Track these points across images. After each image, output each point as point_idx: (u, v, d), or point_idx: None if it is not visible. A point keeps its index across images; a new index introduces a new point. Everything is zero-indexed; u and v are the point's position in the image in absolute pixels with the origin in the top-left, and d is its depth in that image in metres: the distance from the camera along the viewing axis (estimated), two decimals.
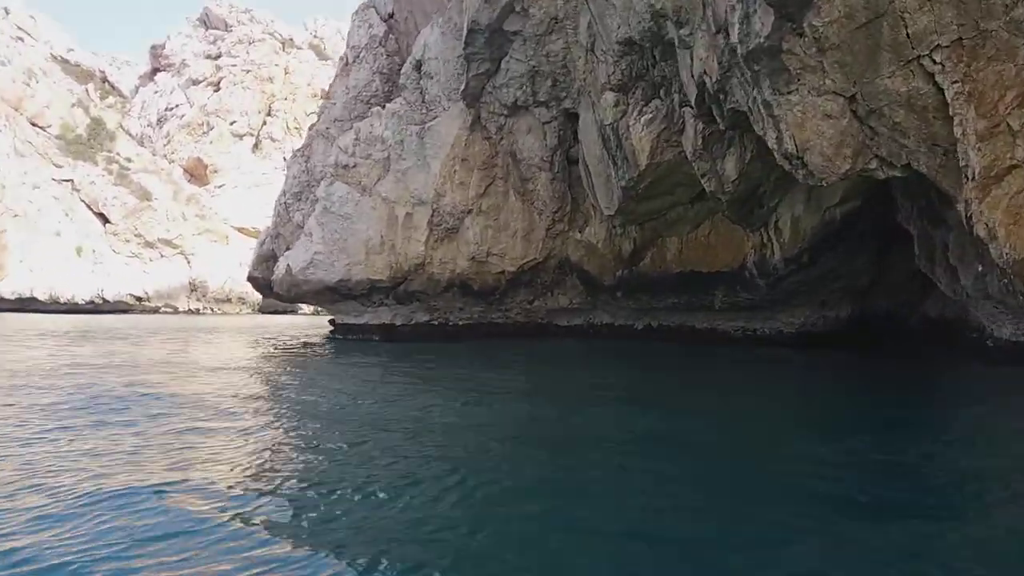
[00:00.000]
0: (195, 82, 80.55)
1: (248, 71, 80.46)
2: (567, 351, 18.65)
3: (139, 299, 67.95)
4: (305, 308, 75.50)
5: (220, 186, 78.40)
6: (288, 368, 14.47)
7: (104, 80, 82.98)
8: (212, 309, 71.36)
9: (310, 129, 25.58)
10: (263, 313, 71.15)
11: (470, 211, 20.08)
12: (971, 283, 12.24)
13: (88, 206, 68.50)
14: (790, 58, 10.41)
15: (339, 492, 5.43)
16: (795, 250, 16.22)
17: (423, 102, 20.68)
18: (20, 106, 69.60)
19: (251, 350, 19.24)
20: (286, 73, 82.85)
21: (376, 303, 22.59)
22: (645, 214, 17.94)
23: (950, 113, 10.06)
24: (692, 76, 13.83)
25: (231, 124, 79.45)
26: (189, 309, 70.62)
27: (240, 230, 77.74)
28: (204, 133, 78.78)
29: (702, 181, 15.64)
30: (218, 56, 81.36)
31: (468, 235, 20.29)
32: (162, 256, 71.07)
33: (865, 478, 5.99)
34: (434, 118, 20.41)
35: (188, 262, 72.34)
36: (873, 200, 15.38)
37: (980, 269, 11.59)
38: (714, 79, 12.86)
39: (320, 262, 21.76)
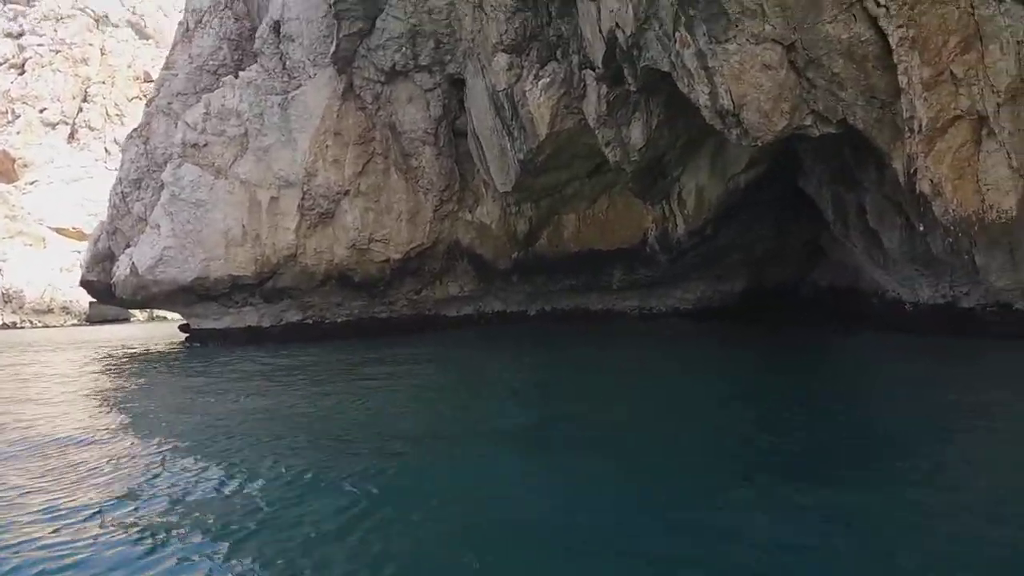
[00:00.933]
0: None
1: (58, 51, 72.01)
2: (463, 341, 17.18)
3: None
4: (139, 315, 69.14)
5: (32, 182, 69.82)
6: (140, 382, 12.04)
7: None
8: (31, 322, 63.75)
9: (147, 105, 22.32)
10: (91, 323, 64.30)
11: (347, 192, 18.02)
12: (896, 246, 11.96)
13: None
14: (729, 0, 9.45)
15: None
16: (699, 221, 15.61)
17: (284, 69, 18.31)
18: None
19: (96, 368, 16.31)
20: (103, 54, 74.94)
21: (239, 303, 20.02)
22: (542, 190, 16.75)
23: (894, 60, 9.47)
24: (600, 32, 12.69)
25: (41, 112, 70.89)
26: (4, 323, 62.57)
27: (59, 231, 69.65)
28: (9, 123, 69.76)
29: (605, 151, 14.63)
30: (20, 34, 72.22)
31: (346, 220, 18.22)
32: None
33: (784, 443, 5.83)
34: (298, 87, 18.12)
35: None
36: (777, 166, 15.00)
37: (911, 231, 11.25)
38: (628, 32, 11.77)
39: (171, 258, 18.93)
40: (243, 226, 18.87)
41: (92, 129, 72.49)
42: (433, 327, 20.54)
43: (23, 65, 71.39)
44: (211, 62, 21.11)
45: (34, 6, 74.44)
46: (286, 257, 18.79)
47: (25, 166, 69.71)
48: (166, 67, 21.36)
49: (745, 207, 15.77)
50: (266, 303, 20.12)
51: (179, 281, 19.02)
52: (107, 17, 77.73)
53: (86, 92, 72.95)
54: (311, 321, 20.76)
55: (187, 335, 22.46)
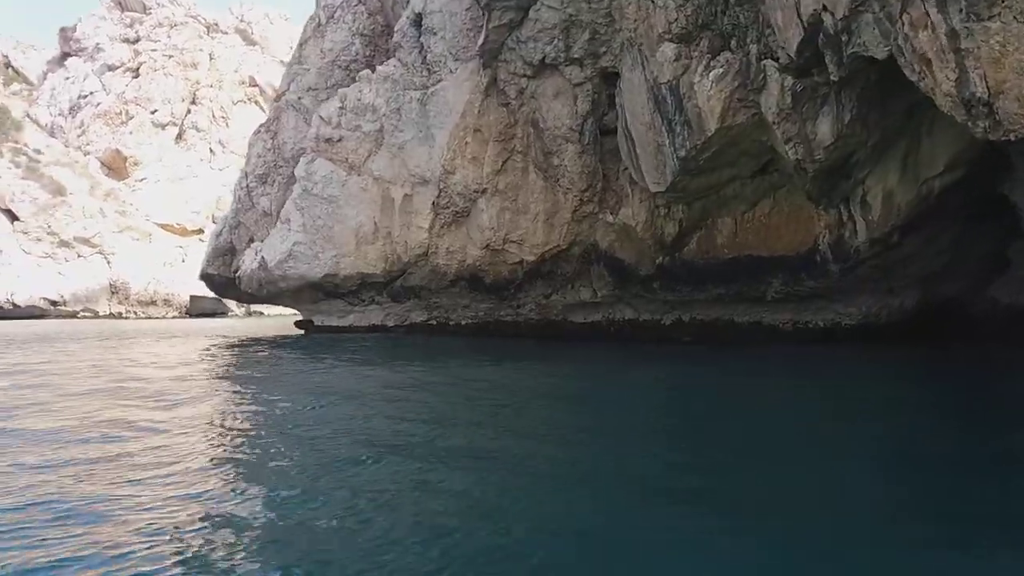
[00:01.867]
0: (111, 68, 74.31)
1: (170, 56, 74.74)
2: (599, 363, 16.06)
3: (54, 303, 62.06)
4: (236, 310, 70.85)
5: (141, 180, 72.54)
6: (270, 375, 11.40)
7: (7, 65, 75.75)
8: (136, 313, 65.90)
9: (276, 100, 22.17)
10: (191, 316, 66.18)
11: (484, 191, 17.23)
12: None
13: None
14: None
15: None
16: (885, 228, 14.06)
17: (423, 63, 17.69)
18: None
19: (214, 356, 15.92)
20: (211, 59, 77.44)
21: (366, 301, 19.51)
22: (698, 191, 15.51)
23: None
24: (799, 17, 11.42)
25: (152, 113, 73.63)
26: (111, 313, 65.01)
27: (163, 227, 72.15)
28: (123, 123, 72.71)
29: (785, 148, 13.30)
30: (136, 40, 75.31)
31: (481, 219, 17.43)
32: (79, 256, 65.11)
33: None
34: (438, 82, 17.45)
35: (108, 262, 66.55)
36: (976, 170, 13.36)
37: None
38: (839, 16, 10.45)
39: (301, 254, 18.54)
40: (375, 223, 18.32)
41: (199, 130, 74.87)
42: (559, 334, 19.50)
43: (138, 69, 74.38)
44: (343, 57, 20.75)
45: (150, 14, 77.54)
46: (417, 256, 18.12)
47: (136, 164, 72.48)
48: (297, 62, 21.12)
49: (934, 215, 14.15)
50: (393, 302, 19.54)
51: (308, 277, 18.60)
52: (217, 24, 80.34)
53: (194, 95, 75.46)
54: (435, 322, 20.08)
55: (303, 332, 22.13)
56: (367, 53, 20.75)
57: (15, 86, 74.74)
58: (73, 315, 62.77)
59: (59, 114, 74.01)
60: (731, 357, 14.95)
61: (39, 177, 65.07)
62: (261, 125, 22.24)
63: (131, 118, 72.73)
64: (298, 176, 18.63)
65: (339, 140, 18.47)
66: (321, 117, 18.63)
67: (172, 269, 68.88)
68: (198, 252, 72.01)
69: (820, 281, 15.91)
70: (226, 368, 13.33)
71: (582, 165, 17.07)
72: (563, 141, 16.97)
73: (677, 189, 15.31)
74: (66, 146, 72.11)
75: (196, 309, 67.41)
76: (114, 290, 65.78)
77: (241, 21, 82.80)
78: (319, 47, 20.80)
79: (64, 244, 64.21)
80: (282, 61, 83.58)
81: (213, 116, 75.89)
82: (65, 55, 77.46)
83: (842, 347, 16.44)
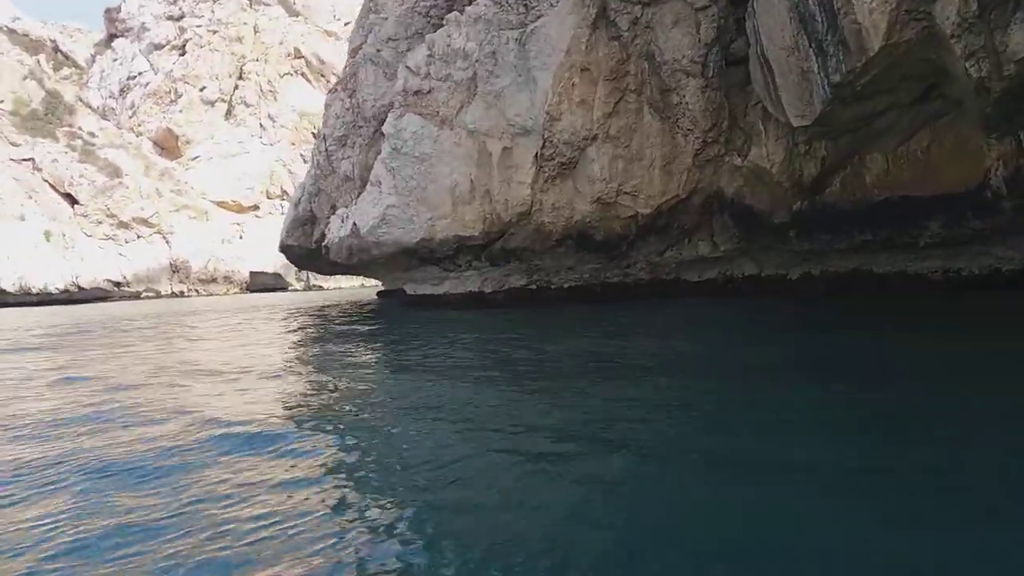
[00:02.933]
0: (158, 47, 73.90)
1: (215, 31, 73.95)
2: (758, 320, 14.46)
3: (117, 284, 62.46)
4: (296, 284, 70.62)
5: (194, 158, 72.34)
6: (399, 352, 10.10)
7: (56, 50, 75.77)
8: (197, 291, 66.09)
9: (351, 56, 20.68)
10: (251, 292, 66.14)
11: (594, 138, 15.59)
12: None
13: (53, 186, 62.34)
14: None
15: None
16: None
17: None
18: None
19: (312, 333, 14.74)
20: (256, 32, 76.44)
21: (462, 266, 18.13)
22: (848, 123, 13.63)
23: None
24: None
25: (201, 90, 73.14)
26: (172, 292, 65.33)
27: (219, 204, 72.01)
28: (172, 101, 72.43)
29: (965, 65, 11.34)
30: (180, 16, 74.65)
31: (592, 170, 15.81)
32: (139, 237, 65.34)
33: None
34: (538, 18, 15.77)
35: (167, 242, 66.71)
36: None
37: None
38: None
39: (394, 218, 17.20)
40: (471, 181, 16.86)
41: (248, 106, 74.21)
42: (672, 293, 17.91)
43: (183, 46, 73.80)
44: (422, 3, 19.14)
45: None
46: (519, 215, 16.63)
47: (187, 143, 72.26)
48: (373, 11, 19.58)
49: None
50: (491, 266, 18.13)
51: (403, 243, 17.28)
52: None
53: (241, 70, 74.70)
54: (535, 286, 18.64)
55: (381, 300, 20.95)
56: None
57: (65, 71, 74.82)
58: (136, 295, 63.18)
59: (110, 96, 74.03)
60: (893, 310, 13.20)
61: (95, 160, 65.22)
62: (337, 84, 20.81)
63: (180, 96, 72.36)
64: (386, 134, 17.22)
65: (428, 92, 16.98)
66: (408, 68, 17.13)
67: (230, 246, 68.84)
68: (255, 228, 72.02)
69: (986, 221, 13.96)
70: (346, 345, 12.10)
71: (706, 101, 15.27)
72: (683, 75, 15.18)
73: (825, 122, 13.46)
74: (118, 127, 72.17)
75: (256, 285, 67.35)
76: (175, 269, 65.97)
77: None
78: None
79: (123, 225, 64.44)
80: (326, 31, 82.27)
81: (261, 90, 75.09)
82: (112, 36, 77.28)
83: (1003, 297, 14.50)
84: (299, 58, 77.34)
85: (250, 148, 74.11)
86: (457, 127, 16.95)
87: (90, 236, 62.72)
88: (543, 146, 15.99)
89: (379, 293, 24.54)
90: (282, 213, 76.19)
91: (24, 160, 61.49)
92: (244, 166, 73.06)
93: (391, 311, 20.31)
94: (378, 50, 19.18)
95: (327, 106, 20.89)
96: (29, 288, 54.90)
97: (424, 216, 17.08)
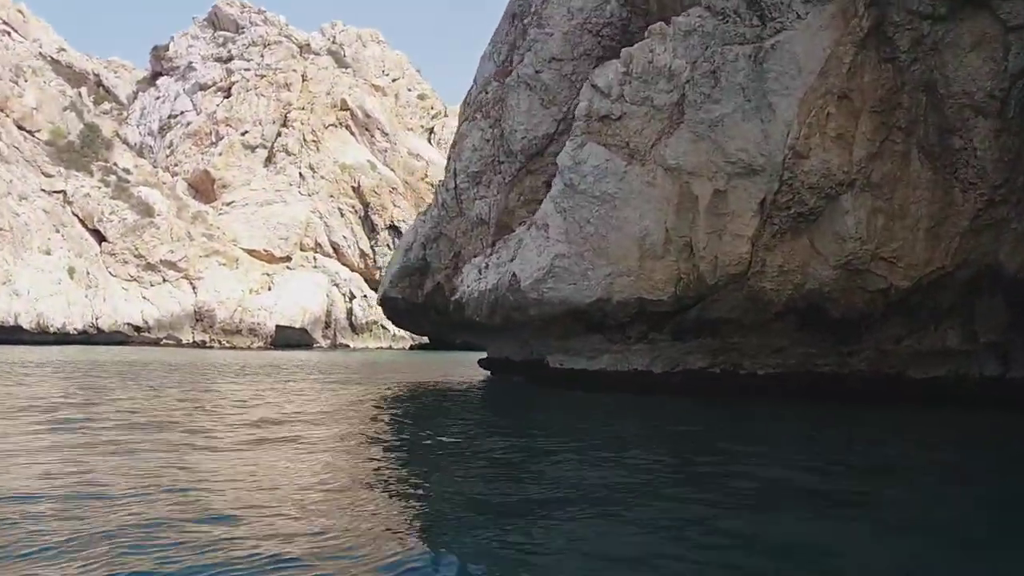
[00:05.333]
0: (203, 87, 72.11)
1: (263, 76, 72.25)
2: None
3: (138, 329, 58.72)
4: (322, 343, 66.78)
5: (229, 203, 69.54)
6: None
7: (99, 84, 74.15)
8: (220, 342, 62.20)
9: (495, 79, 17.38)
10: (276, 347, 62.19)
11: (851, 184, 12.06)
12: None
13: (82, 221, 59.34)
14: None
15: None
16: None
17: (753, 8, 12.70)
18: (6, 106, 60.59)
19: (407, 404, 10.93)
20: (304, 80, 74.71)
21: (632, 338, 14.36)
22: None
23: None
24: None
25: (242, 135, 70.94)
26: (194, 341, 61.42)
27: (251, 253, 68.79)
28: (212, 144, 70.16)
29: None
30: (229, 59, 73.12)
31: (843, 225, 12.21)
32: (164, 280, 61.93)
33: None
34: (778, 31, 12.43)
35: (193, 288, 63.27)
36: None
37: None
38: None
39: (564, 271, 13.54)
40: (666, 230, 13.25)
41: (289, 154, 71.86)
42: (894, 393, 14.01)
43: (229, 89, 72.00)
44: (594, 20, 15.92)
45: (243, 33, 75.46)
46: (731, 276, 12.96)
47: (224, 187, 69.62)
48: (534, 25, 16.35)
49: None
50: (672, 340, 14.34)
51: (572, 302, 13.55)
52: (309, 45, 77.90)
53: (286, 117, 72.61)
54: (718, 370, 14.81)
55: (488, 370, 17.08)
56: (622, 15, 15.97)
57: (105, 105, 72.95)
58: (156, 343, 59.31)
59: (148, 134, 71.90)
60: None
61: (128, 197, 62.42)
62: (475, 111, 17.45)
63: (221, 139, 70.10)
64: (563, 167, 13.72)
65: (619, 118, 13.58)
66: (595, 87, 13.76)
67: (258, 297, 65.34)
68: (285, 280, 68.65)
69: None
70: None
71: (999, 148, 11.75)
72: (973, 113, 11.72)
73: None
74: (154, 166, 69.75)
75: (281, 340, 63.53)
76: (199, 317, 62.29)
77: (333, 42, 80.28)
78: (566, 7, 16.08)
79: (150, 267, 61.13)
80: (373, 85, 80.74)
81: (304, 140, 72.84)
82: (156, 75, 75.74)
83: None
84: (345, 110, 75.43)
85: (287, 198, 71.38)
86: (651, 162, 13.46)
87: (115, 276, 59.33)
88: (777, 191, 12.43)
89: (483, 362, 20.71)
90: (315, 266, 73.15)
91: (55, 192, 58.66)
92: (280, 215, 70.18)
93: (524, 394, 16.44)
94: (537, 71, 15.87)
95: (461, 136, 17.47)
96: (47, 326, 51.14)
97: (601, 271, 13.42)
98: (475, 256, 16.71)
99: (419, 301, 18.49)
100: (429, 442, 8.73)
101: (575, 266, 13.52)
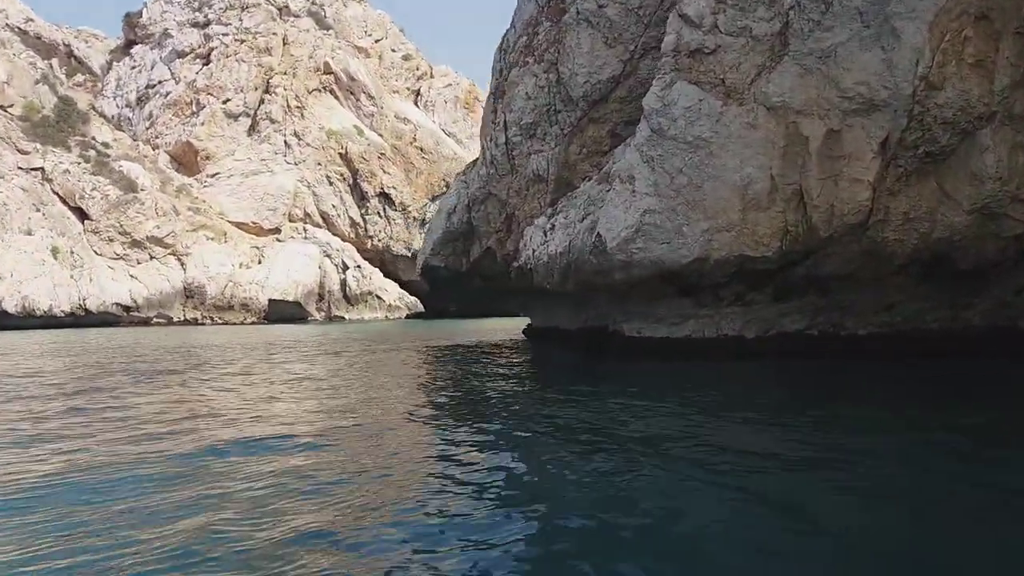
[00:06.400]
0: (180, 55, 68.87)
1: (242, 41, 69.13)
2: None
3: (127, 309, 56.53)
4: (316, 316, 65.00)
5: (214, 175, 66.94)
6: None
7: (70, 55, 70.64)
8: (212, 318, 60.32)
9: (548, 19, 15.57)
10: (269, 322, 60.34)
11: (991, 116, 10.61)
12: None
13: (63, 199, 56.64)
14: None
15: None
16: None
17: None
18: None
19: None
20: (285, 44, 71.62)
21: (726, 300, 12.92)
22: None
23: None
24: None
25: (224, 103, 68.04)
26: (185, 319, 59.42)
27: (239, 225, 66.45)
28: (193, 113, 67.22)
29: None
30: (206, 24, 69.79)
31: (981, 164, 10.77)
32: (152, 257, 59.63)
33: None
34: None
35: (182, 264, 61.02)
36: None
37: None
38: None
39: (655, 228, 12.00)
40: (772, 178, 11.74)
41: (273, 121, 69.11)
42: (1006, 347, 12.75)
43: (208, 55, 68.85)
44: None
45: None
46: (848, 227, 11.50)
47: (207, 158, 66.94)
48: None
49: None
50: (772, 302, 12.92)
51: (665, 263, 12.03)
52: (288, 6, 74.62)
53: (268, 83, 69.67)
54: (816, 331, 13.43)
55: (528, 336, 15.60)
56: None
57: (78, 77, 69.62)
58: (146, 321, 57.28)
59: (126, 105, 68.76)
60: None
61: (109, 172, 59.67)
62: (524, 55, 15.64)
63: (202, 108, 67.15)
64: (650, 109, 12.09)
65: (712, 52, 11.97)
66: (683, 17, 12.09)
67: (249, 271, 63.17)
68: (275, 253, 66.37)
69: None
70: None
71: None
72: None
73: None
74: (134, 139, 66.83)
75: (275, 314, 61.63)
76: (189, 294, 60.17)
77: (313, 3, 76.89)
78: None
79: (136, 244, 58.73)
80: (356, 46, 77.70)
81: (288, 106, 70.03)
82: (130, 43, 72.24)
83: None
84: (328, 74, 72.59)
85: (273, 167, 68.87)
86: (751, 101, 11.88)
87: (100, 255, 56.93)
88: (905, 128, 10.91)
89: (527, 330, 19.22)
90: (305, 238, 70.84)
91: (33, 169, 55.86)
92: (266, 186, 67.75)
93: (593, 366, 14.96)
94: (601, 6, 14.11)
95: (511, 84, 15.69)
96: (33, 310, 48.89)
97: (698, 226, 11.90)
98: (532, 217, 15.11)
99: (464, 268, 16.91)
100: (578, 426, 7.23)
101: (667, 222, 11.98)
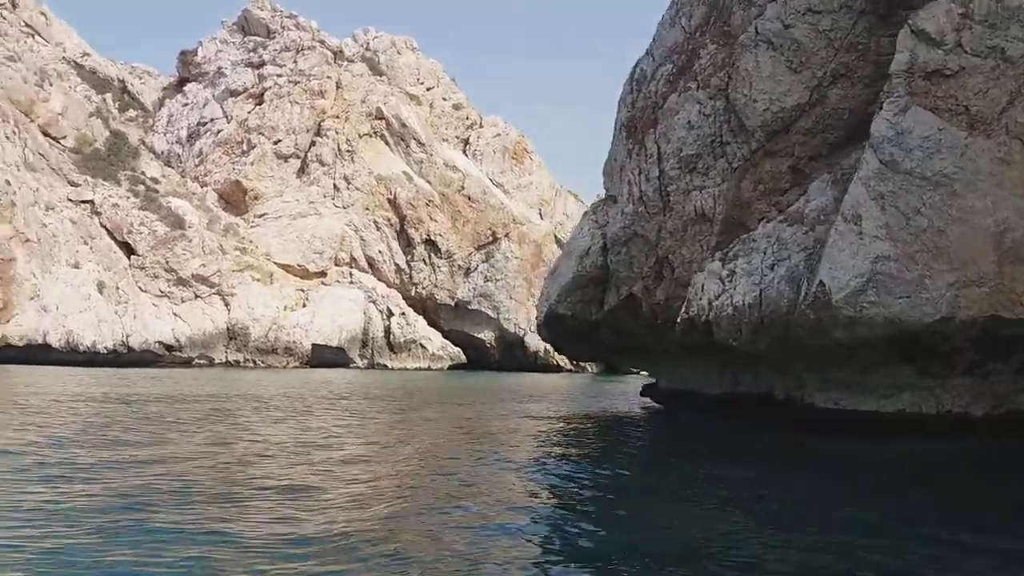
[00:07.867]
0: (233, 93, 68.72)
1: (296, 83, 68.90)
2: None
3: (169, 348, 54.94)
4: (359, 362, 63.12)
5: (261, 215, 65.99)
6: None
7: (124, 90, 70.81)
8: (254, 361, 58.52)
9: (715, 40, 13.79)
10: (312, 366, 58.43)
11: None
12: None
13: (110, 233, 55.74)
14: None
15: None
16: None
17: None
18: (31, 112, 57.21)
19: None
20: (338, 88, 71.35)
21: (959, 370, 10.72)
22: None
23: None
24: None
25: (275, 144, 67.46)
26: (227, 361, 57.66)
27: (284, 267, 65.16)
28: (244, 153, 66.62)
29: None
30: (261, 64, 69.79)
31: None
32: (196, 296, 58.23)
33: None
34: None
35: (227, 304, 59.54)
36: None
37: None
38: None
39: (888, 279, 9.93)
40: None
41: (323, 164, 68.38)
42: None
43: (262, 95, 68.63)
44: None
45: (274, 38, 72.31)
46: None
47: (256, 198, 66.09)
48: None
49: None
50: (1015, 374, 10.71)
51: (904, 321, 9.90)
52: (342, 51, 74.72)
53: (320, 126, 69.19)
54: None
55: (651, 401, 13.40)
56: None
57: (131, 112, 69.63)
58: (188, 362, 55.53)
59: (176, 142, 68.46)
60: None
61: (157, 208, 58.90)
62: (689, 80, 13.83)
63: (252, 148, 66.61)
64: (879, 138, 10.16)
65: (953, 74, 10.10)
66: (919, 33, 10.25)
67: (294, 314, 61.61)
68: (319, 297, 64.85)
69: None
70: None
71: None
72: None
73: None
74: (182, 176, 66.34)
75: (317, 359, 59.82)
76: (232, 335, 58.58)
77: (367, 49, 76.98)
78: None
79: (182, 282, 57.45)
80: (408, 93, 77.40)
81: (339, 150, 69.34)
82: (183, 81, 72.44)
83: None
84: (380, 119, 72.05)
85: (321, 210, 67.85)
86: (1002, 133, 9.92)
87: (145, 291, 55.70)
88: None
89: (645, 390, 17.06)
90: (351, 282, 69.36)
91: (83, 202, 55.18)
92: (314, 228, 66.61)
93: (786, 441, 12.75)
94: (787, 26, 12.33)
95: (666, 113, 13.86)
96: (77, 345, 47.45)
97: (942, 279, 9.82)
98: (691, 262, 13.11)
99: (593, 318, 14.86)
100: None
101: (905, 272, 9.91)
